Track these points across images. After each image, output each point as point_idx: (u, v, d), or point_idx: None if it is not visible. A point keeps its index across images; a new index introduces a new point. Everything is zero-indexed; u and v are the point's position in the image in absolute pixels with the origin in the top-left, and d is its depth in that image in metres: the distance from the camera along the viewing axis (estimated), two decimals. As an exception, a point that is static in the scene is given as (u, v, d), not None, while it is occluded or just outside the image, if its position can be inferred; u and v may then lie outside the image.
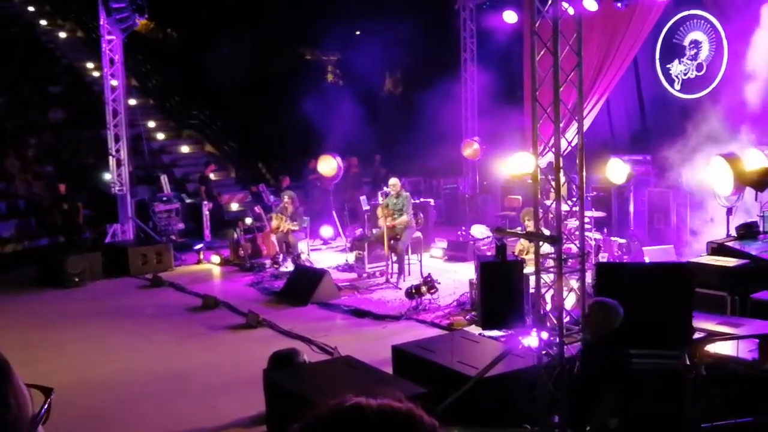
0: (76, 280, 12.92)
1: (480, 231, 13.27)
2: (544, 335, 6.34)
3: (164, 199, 16.33)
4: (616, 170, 11.86)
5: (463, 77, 17.42)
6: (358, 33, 22.48)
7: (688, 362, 5.66)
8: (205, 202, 16.56)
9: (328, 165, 14.85)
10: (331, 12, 19.88)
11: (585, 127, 7.24)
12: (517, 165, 12.84)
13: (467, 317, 9.73)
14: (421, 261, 12.42)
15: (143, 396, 7.85)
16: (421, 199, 14.90)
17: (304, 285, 11.45)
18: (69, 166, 18.30)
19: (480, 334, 8.00)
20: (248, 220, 14.74)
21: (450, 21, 18.03)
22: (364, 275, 12.62)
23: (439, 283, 10.53)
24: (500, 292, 6.78)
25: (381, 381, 6.30)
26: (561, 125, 6.53)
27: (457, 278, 11.14)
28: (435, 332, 9.13)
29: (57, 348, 9.54)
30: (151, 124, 21.56)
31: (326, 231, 15.54)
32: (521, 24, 15.35)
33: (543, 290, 6.63)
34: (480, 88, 17.37)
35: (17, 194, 17.13)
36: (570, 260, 6.82)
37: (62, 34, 24.68)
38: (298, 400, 5.93)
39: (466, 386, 6.11)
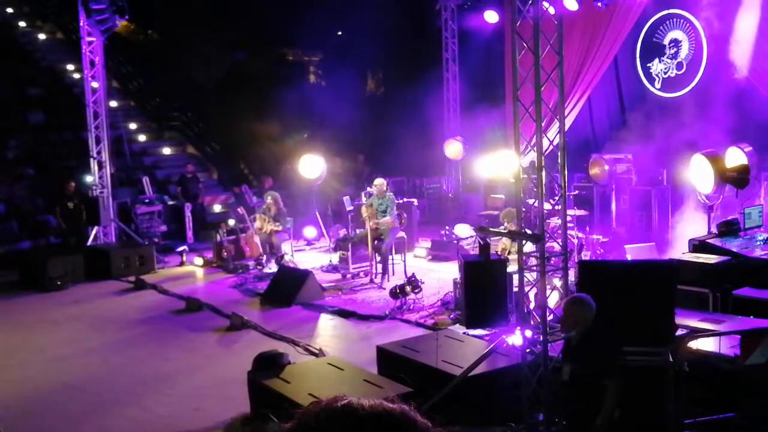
0: (58, 283, 12.82)
1: (463, 230, 13.29)
2: (528, 333, 6.37)
3: (146, 201, 16.24)
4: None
5: (445, 77, 17.45)
6: (339, 33, 22.48)
7: (670, 359, 5.70)
8: (188, 203, 16.49)
9: (310, 165, 14.81)
10: (312, 12, 19.85)
11: (566, 126, 7.27)
12: (499, 164, 12.88)
13: (451, 316, 9.75)
14: (405, 261, 12.42)
15: (127, 399, 7.81)
16: (405, 199, 14.90)
17: (288, 286, 11.42)
18: (49, 168, 18.16)
19: (464, 333, 8.02)
20: (231, 222, 14.69)
21: (431, 21, 18.06)
22: (349, 276, 12.62)
23: (423, 283, 10.55)
24: (484, 291, 6.80)
25: (366, 381, 6.30)
26: (543, 124, 6.55)
27: (441, 278, 11.16)
28: (419, 332, 9.14)
29: (39, 352, 9.46)
30: (133, 126, 21.45)
31: (310, 232, 15.51)
32: (502, 24, 15.42)
33: (526, 289, 6.66)
34: (462, 88, 17.42)
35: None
36: (553, 258, 6.86)
37: (42, 36, 24.49)
38: (284, 401, 5.92)
39: (451, 385, 6.13)
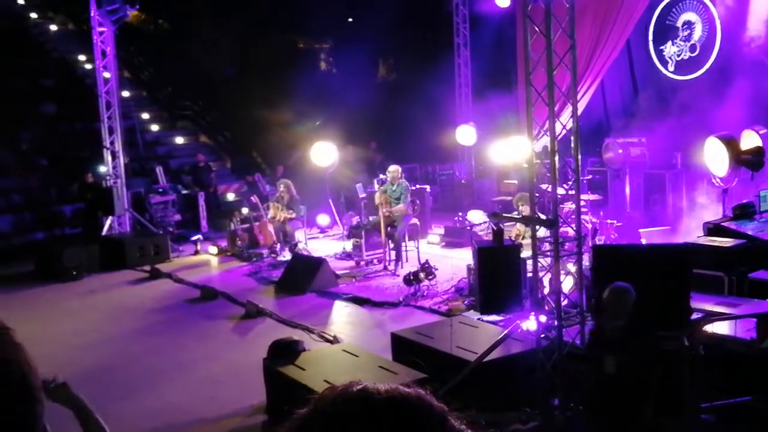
0: (74, 273, 12.91)
1: (477, 216, 13.28)
2: (543, 319, 6.37)
3: (160, 190, 16.31)
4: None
5: (457, 62, 17.39)
6: (350, 20, 22.41)
7: (686, 343, 5.69)
8: (201, 192, 16.55)
9: (322, 153, 14.79)
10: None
11: (579, 111, 7.23)
12: (512, 149, 12.83)
13: (465, 302, 9.75)
14: (418, 248, 12.42)
15: (144, 387, 7.86)
16: (417, 186, 14.89)
17: (302, 274, 11.46)
18: (63, 159, 18.25)
19: (478, 319, 8.03)
20: (245, 210, 14.73)
21: (442, 6, 17.98)
22: (362, 263, 12.64)
23: (437, 270, 10.55)
24: (498, 277, 6.78)
25: (381, 367, 6.32)
26: (555, 108, 6.52)
27: (454, 264, 11.16)
28: (433, 318, 9.16)
29: (55, 341, 9.52)
30: (145, 115, 21.50)
31: (323, 219, 15.53)
32: (513, 8, 15.31)
33: (540, 274, 6.65)
34: (474, 73, 17.36)
35: (13, 188, 17.10)
36: (567, 243, 6.83)
37: (53, 27, 24.55)
38: (300, 388, 5.95)
39: (466, 370, 6.14)
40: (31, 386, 1.22)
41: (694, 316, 6.12)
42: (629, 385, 4.94)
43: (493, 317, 8.15)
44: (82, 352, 9.13)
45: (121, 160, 15.13)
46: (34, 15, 24.76)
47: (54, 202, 17.02)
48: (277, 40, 23.15)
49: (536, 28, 6.46)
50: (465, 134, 16.26)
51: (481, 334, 7.11)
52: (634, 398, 4.92)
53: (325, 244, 14.67)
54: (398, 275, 11.51)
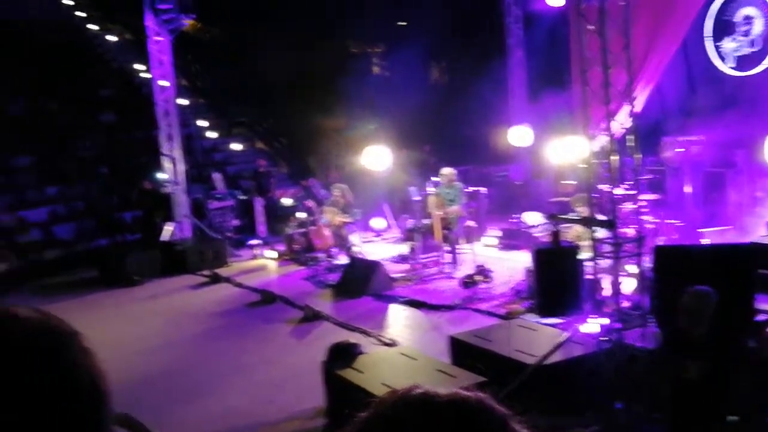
0: (136, 278, 13.20)
1: (533, 218, 13.16)
2: (603, 321, 6.29)
3: (218, 196, 16.57)
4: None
5: (509, 63, 17.28)
6: (401, 24, 22.45)
7: (752, 344, 5.56)
8: (258, 198, 16.76)
9: (376, 157, 14.82)
10: (374, 3, 19.86)
11: (636, 109, 7.12)
12: (568, 150, 12.69)
13: (524, 305, 9.67)
14: (474, 250, 12.37)
15: (205, 391, 7.99)
16: (472, 188, 14.82)
17: (359, 277, 11.52)
18: (123, 167, 18.69)
19: (537, 321, 7.96)
20: (301, 215, 14.87)
21: (494, 7, 17.89)
22: (418, 266, 12.63)
23: (493, 272, 10.50)
24: (556, 279, 6.74)
25: (439, 371, 6.32)
26: (611, 108, 6.44)
27: (511, 266, 11.09)
28: (491, 321, 9.10)
29: (119, 346, 9.73)
30: (202, 123, 21.87)
31: (378, 222, 15.58)
32: (567, 7, 15.15)
33: (600, 276, 6.57)
34: (527, 74, 17.22)
35: (76, 196, 17.58)
36: (626, 244, 6.74)
37: (111, 38, 25.13)
38: (359, 391, 5.98)
39: (525, 373, 6.10)
40: (100, 392, 1.24)
41: (758, 317, 5.98)
42: (713, 392, 4.79)
43: (552, 320, 8.07)
44: (145, 356, 9.32)
45: (180, 167, 15.41)
46: (93, 26, 25.38)
47: (114, 209, 17.43)
48: (330, 45, 23.32)
49: (590, 27, 6.39)
50: (520, 135, 16.15)
51: (540, 337, 7.04)
52: (717, 405, 4.78)
53: (380, 247, 14.71)
54: (454, 278, 11.48)
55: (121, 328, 10.66)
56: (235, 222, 16.43)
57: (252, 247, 14.92)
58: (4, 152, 17.96)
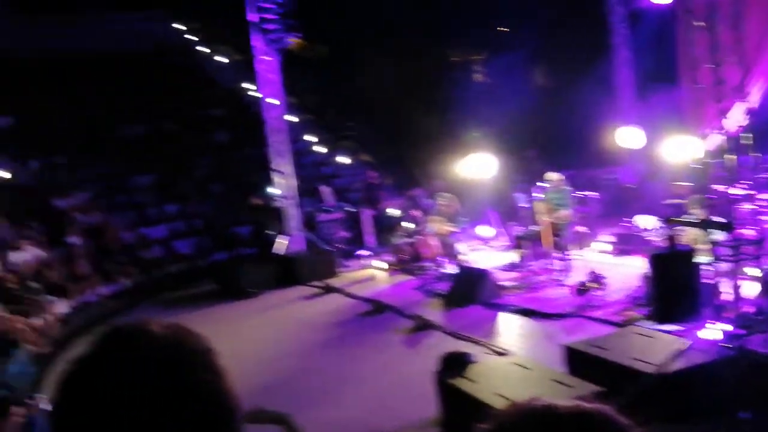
0: (252, 291, 13.64)
1: (646, 221, 12.79)
2: (725, 327, 6.08)
3: (327, 209, 16.92)
4: None
5: (616, 63, 16.91)
6: (503, 29, 22.32)
7: None
8: (367, 209, 17.00)
9: (480, 164, 14.76)
10: (473, 11, 19.83)
11: (752, 105, 6.86)
12: (680, 150, 12.30)
13: (640, 312, 9.40)
14: (586, 256, 12.13)
15: (321, 399, 8.16)
16: (582, 192, 14.53)
17: (468, 286, 11.51)
18: (236, 183, 19.34)
19: (655, 328, 7.75)
20: (407, 225, 14.99)
21: (596, 7, 17.55)
22: (528, 273, 12.50)
23: (607, 278, 10.27)
24: (674, 284, 6.56)
25: (555, 380, 6.25)
26: (724, 105, 6.24)
27: (625, 272, 10.82)
28: (607, 329, 8.91)
29: (236, 356, 10.03)
30: (310, 138, 22.37)
31: (484, 230, 15.51)
32: (673, 4, 14.70)
33: (718, 280, 6.35)
34: (634, 73, 16.81)
35: (193, 213, 18.34)
36: (745, 247, 6.49)
37: (221, 59, 26.05)
38: (473, 401, 5.99)
39: (645, 383, 5.95)
40: (226, 409, 1.30)
41: None
42: None
43: (671, 326, 7.84)
44: (262, 365, 9.58)
45: (290, 182, 15.82)
46: (204, 49, 26.37)
47: (230, 225, 18.05)
48: (431, 56, 23.44)
49: (699, 23, 6.22)
50: (628, 136, 15.76)
51: (658, 345, 6.85)
52: None
53: (488, 255, 14.63)
54: (565, 285, 11.30)
55: (239, 339, 11.00)
56: (344, 233, 16.72)
57: (361, 257, 15.15)
58: (127, 173, 18.95)
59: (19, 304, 11.11)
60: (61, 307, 12.27)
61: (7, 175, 16.42)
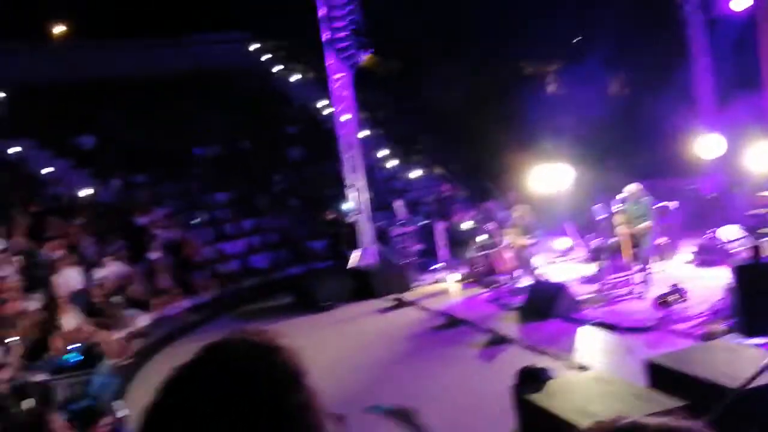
0: (327, 304, 13.77)
1: (730, 232, 12.38)
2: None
3: (400, 222, 16.95)
4: None
5: (694, 71, 16.50)
6: (577, 40, 22.06)
7: None
8: (440, 222, 16.97)
9: (556, 175, 14.53)
10: (546, 22, 19.63)
11: None
12: (764, 158, 11.89)
13: (725, 325, 9.09)
14: (667, 268, 11.80)
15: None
16: (661, 203, 14.16)
17: (544, 299, 11.34)
18: (311, 198, 19.59)
19: (740, 342, 7.48)
20: (481, 237, 14.88)
21: (673, 15, 17.18)
22: (607, 286, 12.21)
23: (689, 291, 9.96)
24: (759, 297, 6.31)
25: (636, 396, 6.08)
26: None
27: (708, 284, 10.48)
28: (689, 343, 8.64)
29: (313, 370, 10.12)
30: (383, 153, 22.50)
31: (561, 243, 15.26)
32: (753, 9, 14.31)
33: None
34: (714, 81, 16.36)
35: (269, 228, 18.65)
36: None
37: (295, 77, 26.50)
38: (552, 417, 5.87)
39: (731, 398, 5.74)
40: (309, 427, 1.31)
41: None
42: None
43: (757, 340, 7.55)
44: (335, 379, 9.60)
45: (364, 196, 15.92)
46: (279, 68, 26.88)
47: (305, 239, 18.29)
48: (504, 68, 23.33)
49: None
50: (710, 145, 15.31)
51: (743, 359, 6.60)
52: None
53: (565, 268, 14.38)
54: (646, 298, 11.01)
55: (313, 352, 11.01)
56: (417, 247, 16.72)
57: (434, 271, 15.11)
58: (206, 191, 19.42)
59: (102, 317, 11.49)
60: (143, 320, 12.62)
61: (90, 191, 17.03)
